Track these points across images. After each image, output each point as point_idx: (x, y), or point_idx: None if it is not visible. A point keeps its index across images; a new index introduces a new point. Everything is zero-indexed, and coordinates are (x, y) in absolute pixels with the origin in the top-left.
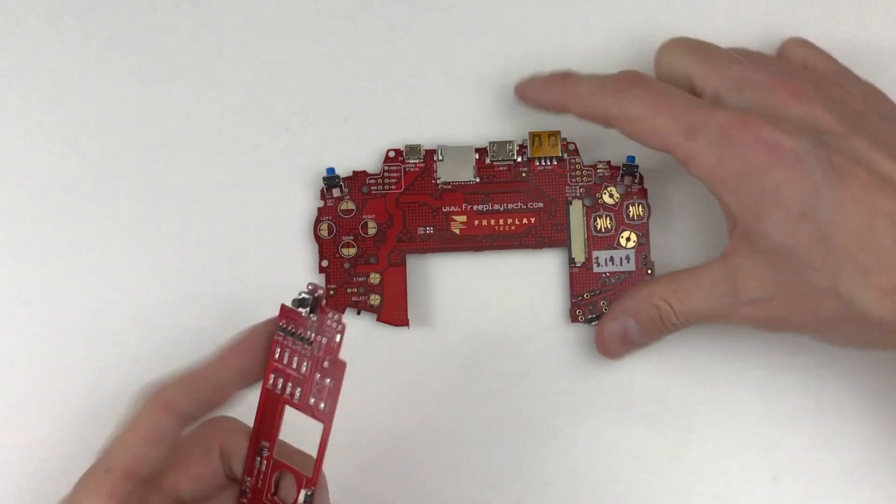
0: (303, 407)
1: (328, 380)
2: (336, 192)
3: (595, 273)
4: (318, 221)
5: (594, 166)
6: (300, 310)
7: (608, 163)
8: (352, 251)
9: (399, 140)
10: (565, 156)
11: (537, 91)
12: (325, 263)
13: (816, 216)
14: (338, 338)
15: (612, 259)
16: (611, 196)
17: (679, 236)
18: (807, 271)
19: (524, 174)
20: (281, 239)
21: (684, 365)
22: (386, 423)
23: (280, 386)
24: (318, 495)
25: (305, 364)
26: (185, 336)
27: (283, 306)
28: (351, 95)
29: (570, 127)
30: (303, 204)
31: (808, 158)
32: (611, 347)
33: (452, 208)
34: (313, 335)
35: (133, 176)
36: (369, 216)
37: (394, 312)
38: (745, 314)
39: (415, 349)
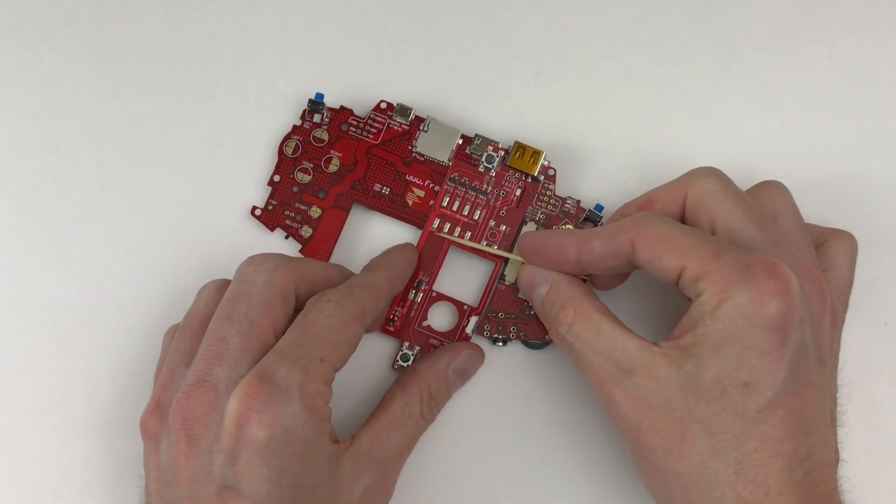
0: (473, 248)
1: (504, 226)
2: (316, 119)
3: (519, 298)
4: (287, 137)
5: (564, 199)
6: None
7: (578, 202)
8: (306, 178)
9: (404, 98)
10: (541, 178)
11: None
12: (276, 178)
13: (757, 391)
14: (518, 192)
15: None
16: None
17: (610, 298)
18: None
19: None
20: (249, 138)
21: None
22: None
23: (447, 229)
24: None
25: (480, 212)
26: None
27: (456, 158)
28: (388, 39)
29: (558, 155)
30: (284, 119)
31: (799, 347)
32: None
33: (415, 180)
34: (489, 188)
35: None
36: (337, 153)
37: (317, 252)
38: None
39: None
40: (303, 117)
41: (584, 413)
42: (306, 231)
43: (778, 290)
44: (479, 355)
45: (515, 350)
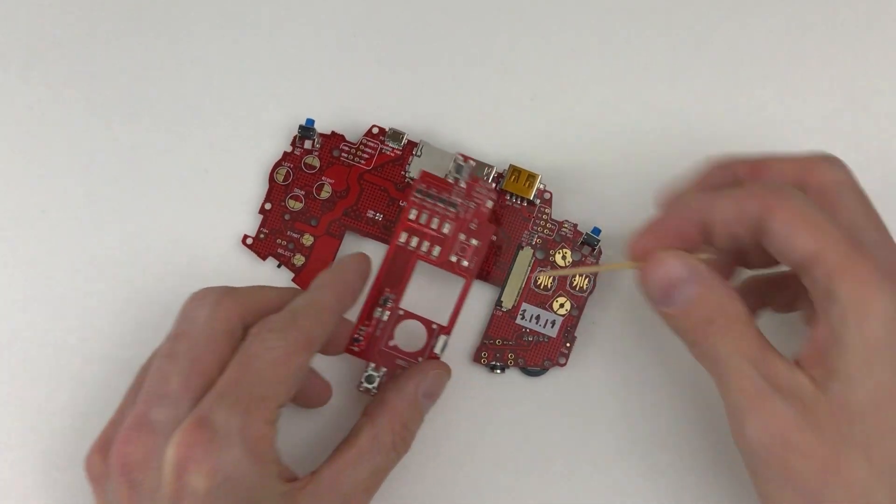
0: (442, 263)
1: (474, 240)
2: (307, 145)
3: (516, 324)
4: (278, 164)
5: (560, 223)
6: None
7: (575, 226)
8: (298, 205)
9: (396, 122)
10: (537, 201)
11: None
12: (268, 206)
13: None
14: (489, 203)
15: (538, 318)
16: (563, 258)
17: (609, 324)
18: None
19: (489, 203)
20: (239, 165)
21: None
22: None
23: (415, 244)
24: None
25: (448, 225)
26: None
27: (423, 172)
28: (380, 63)
29: (553, 178)
30: (275, 145)
31: None
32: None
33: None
34: (459, 200)
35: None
36: (329, 180)
37: (310, 280)
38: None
39: None
40: (293, 144)
41: (585, 440)
42: (299, 259)
43: None
44: (446, 373)
45: (513, 377)
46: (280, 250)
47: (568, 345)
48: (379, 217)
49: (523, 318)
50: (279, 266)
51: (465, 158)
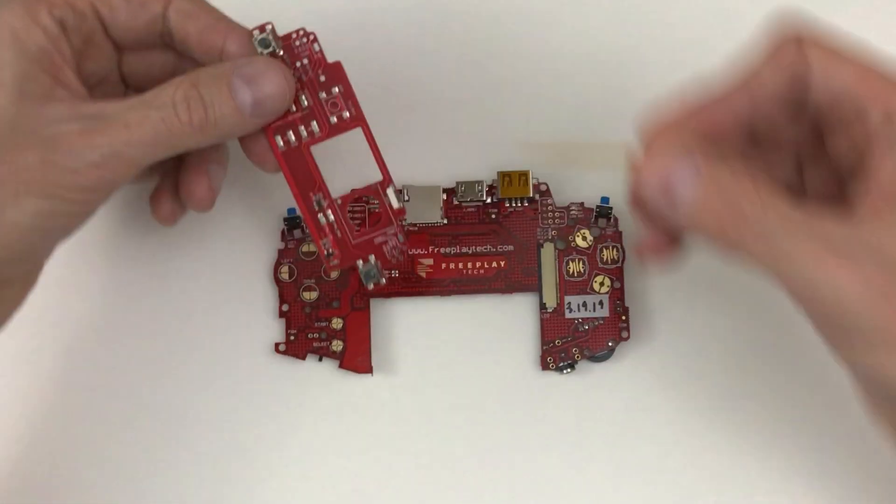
0: (330, 132)
1: (336, 88)
2: (297, 234)
3: (567, 319)
4: (278, 264)
5: (567, 208)
6: (264, 51)
7: (581, 204)
8: (313, 295)
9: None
10: (537, 197)
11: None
12: (285, 308)
13: None
14: (316, 47)
15: (584, 304)
16: (584, 239)
17: (655, 280)
18: None
19: (494, 216)
20: (240, 283)
21: (664, 416)
22: (349, 475)
23: (293, 138)
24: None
25: (304, 96)
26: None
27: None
28: None
29: (540, 167)
30: (263, 246)
31: None
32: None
33: (419, 251)
34: (293, 65)
35: None
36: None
37: (357, 359)
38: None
39: (379, 397)
40: (284, 238)
41: (682, 403)
42: (337, 345)
43: None
44: (278, 66)
45: (585, 372)
46: (315, 344)
47: (624, 318)
48: (395, 273)
49: (571, 310)
50: (321, 360)
51: (261, 29)
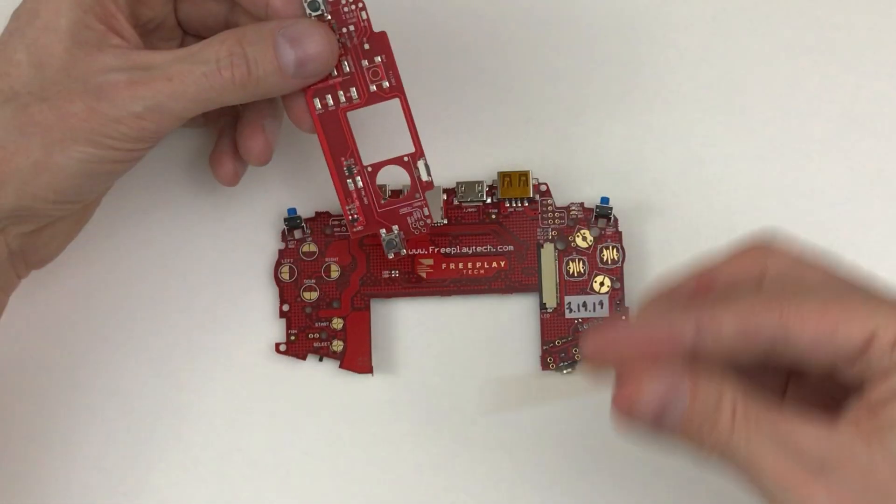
0: (368, 100)
1: (378, 57)
2: (298, 234)
3: (567, 319)
4: (278, 264)
5: (567, 208)
6: (313, 14)
7: (581, 204)
8: (314, 295)
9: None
10: (537, 197)
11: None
12: (286, 308)
13: None
14: (363, 14)
15: (584, 304)
16: (584, 239)
17: (655, 280)
18: None
19: (494, 216)
20: (241, 283)
21: None
22: (350, 475)
23: (330, 102)
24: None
25: (346, 61)
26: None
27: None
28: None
29: (540, 167)
30: (264, 246)
31: None
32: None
33: (419, 251)
34: (339, 30)
35: None
36: (332, 259)
37: (357, 359)
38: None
39: (379, 397)
40: (284, 238)
41: None
42: (337, 345)
43: None
44: (324, 29)
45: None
46: (315, 344)
47: (623, 317)
48: (395, 274)
49: (571, 310)
50: (321, 360)
51: None
